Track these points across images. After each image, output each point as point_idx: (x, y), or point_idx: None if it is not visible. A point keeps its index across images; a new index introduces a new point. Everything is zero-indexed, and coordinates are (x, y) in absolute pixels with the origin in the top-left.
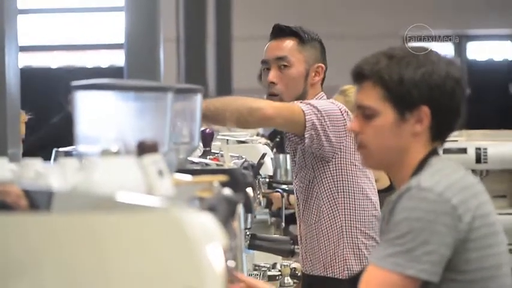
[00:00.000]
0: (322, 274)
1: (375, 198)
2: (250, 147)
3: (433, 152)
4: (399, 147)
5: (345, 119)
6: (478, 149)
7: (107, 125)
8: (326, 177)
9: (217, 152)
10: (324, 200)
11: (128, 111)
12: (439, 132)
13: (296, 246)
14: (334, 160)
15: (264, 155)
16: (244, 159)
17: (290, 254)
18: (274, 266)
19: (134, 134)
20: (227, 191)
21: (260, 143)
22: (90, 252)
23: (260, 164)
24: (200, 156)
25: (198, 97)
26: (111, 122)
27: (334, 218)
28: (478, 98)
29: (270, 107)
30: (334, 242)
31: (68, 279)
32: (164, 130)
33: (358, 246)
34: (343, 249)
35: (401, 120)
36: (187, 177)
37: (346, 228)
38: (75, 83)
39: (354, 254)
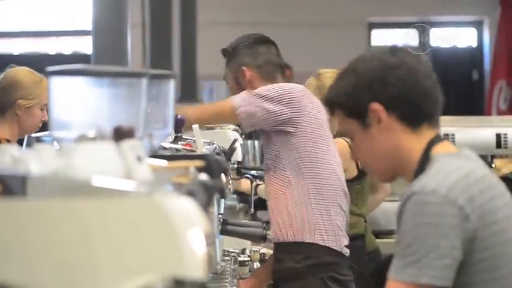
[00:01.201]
0: (293, 240)
1: (339, 169)
2: (220, 133)
3: (432, 143)
4: (385, 150)
5: (301, 96)
6: (446, 135)
7: (81, 111)
8: (291, 150)
9: (189, 137)
10: (290, 171)
11: (102, 97)
12: (414, 119)
13: (267, 231)
14: (296, 133)
15: (235, 141)
16: (215, 145)
17: (262, 239)
18: (243, 251)
19: (108, 120)
20: (204, 177)
21: (229, 128)
22: (73, 237)
23: (232, 149)
24: (172, 142)
25: (171, 82)
26: (86, 108)
27: (302, 187)
28: (441, 85)
29: (192, 116)
30: (303, 209)
31: (55, 262)
32: (139, 116)
33: (328, 212)
34: (312, 215)
35: (366, 128)
36: (163, 163)
37: (313, 196)
38: (49, 68)
39: (323, 219)
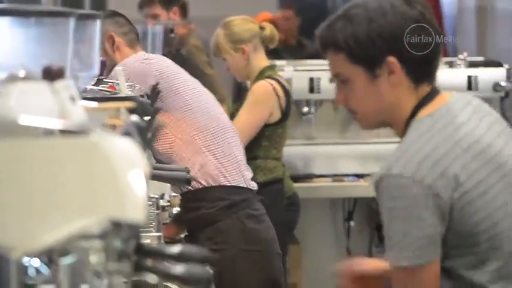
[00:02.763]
0: (198, 187)
1: (215, 107)
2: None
3: (422, 103)
4: (386, 103)
5: (145, 66)
6: None
7: (5, 52)
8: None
9: (110, 80)
10: (170, 128)
11: (28, 37)
12: (418, 74)
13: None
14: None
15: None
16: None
17: (187, 182)
18: (162, 196)
19: (34, 61)
20: (135, 118)
21: None
22: (9, 178)
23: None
24: (94, 85)
25: (98, 23)
26: (10, 49)
27: (186, 136)
28: None
29: None
30: (197, 157)
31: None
32: (66, 57)
33: (222, 151)
34: (207, 158)
35: (374, 78)
36: (93, 104)
37: (200, 141)
38: None
39: (220, 160)
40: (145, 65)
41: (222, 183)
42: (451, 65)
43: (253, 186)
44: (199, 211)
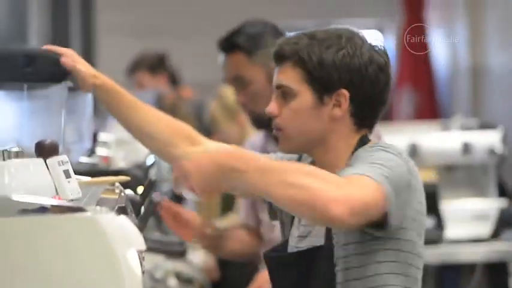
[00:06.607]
0: None
1: None
2: (133, 146)
3: (361, 142)
4: (318, 131)
5: None
6: None
7: None
8: None
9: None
10: None
11: (18, 110)
12: (363, 119)
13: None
14: None
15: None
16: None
17: (181, 254)
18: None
19: (27, 135)
20: (130, 192)
21: None
22: (10, 254)
23: (152, 164)
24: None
25: (89, 94)
26: (2, 123)
27: None
28: None
29: None
30: None
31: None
32: (58, 130)
33: None
34: None
35: (319, 103)
36: (87, 178)
37: None
38: None
39: None
40: None
41: None
42: (445, 127)
43: None
44: None
